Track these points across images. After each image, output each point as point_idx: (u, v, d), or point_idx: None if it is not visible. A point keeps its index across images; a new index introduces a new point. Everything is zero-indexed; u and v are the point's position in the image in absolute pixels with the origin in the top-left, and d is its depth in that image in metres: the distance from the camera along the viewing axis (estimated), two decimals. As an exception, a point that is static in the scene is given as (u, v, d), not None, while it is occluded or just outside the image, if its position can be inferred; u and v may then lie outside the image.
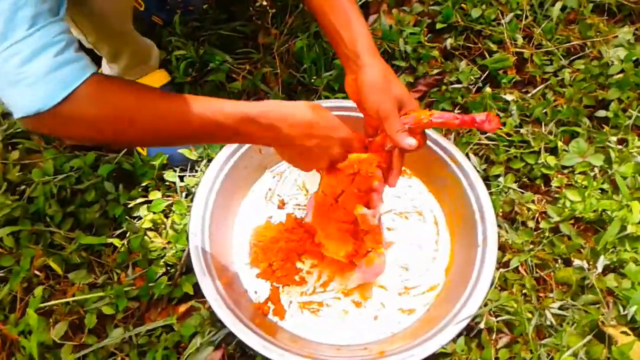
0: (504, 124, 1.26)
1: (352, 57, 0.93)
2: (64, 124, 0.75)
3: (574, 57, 1.38)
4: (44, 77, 0.70)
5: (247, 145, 1.20)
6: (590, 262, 1.06)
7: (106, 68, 1.25)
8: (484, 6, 1.43)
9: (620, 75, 1.31)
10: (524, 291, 1.06)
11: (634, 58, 1.33)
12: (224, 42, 1.41)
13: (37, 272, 1.12)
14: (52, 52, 0.70)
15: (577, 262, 1.05)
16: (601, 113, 1.28)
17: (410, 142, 0.90)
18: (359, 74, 0.92)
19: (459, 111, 1.31)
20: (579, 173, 1.19)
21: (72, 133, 0.78)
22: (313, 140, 0.88)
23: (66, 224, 1.18)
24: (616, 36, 1.41)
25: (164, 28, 1.41)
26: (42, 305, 1.07)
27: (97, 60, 1.24)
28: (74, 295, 1.10)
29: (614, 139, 1.22)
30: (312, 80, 1.32)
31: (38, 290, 1.08)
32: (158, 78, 1.29)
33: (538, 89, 1.33)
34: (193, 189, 1.20)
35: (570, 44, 1.39)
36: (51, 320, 1.07)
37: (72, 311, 1.09)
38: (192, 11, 1.43)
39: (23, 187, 1.19)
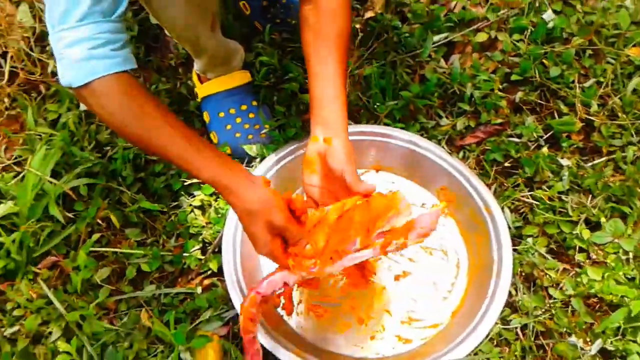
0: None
1: (323, 125, 1.01)
2: (82, 101, 0.96)
3: (648, 136, 1.34)
4: (75, 62, 0.88)
5: (297, 153, 1.31)
6: (587, 343, 1.04)
7: (195, 62, 1.42)
8: (565, 66, 1.42)
9: (691, 164, 1.26)
10: (516, 353, 1.07)
11: None
12: (307, 56, 1.53)
13: (99, 221, 1.31)
14: (87, 46, 0.87)
15: (572, 339, 1.05)
16: (659, 198, 1.24)
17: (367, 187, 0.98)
18: (328, 150, 1.00)
19: (509, 164, 1.33)
20: (613, 254, 1.16)
21: (89, 105, 0.94)
22: (247, 228, 0.97)
23: (134, 186, 1.36)
24: (703, 124, 1.34)
25: (260, 33, 1.56)
26: (95, 249, 1.26)
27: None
28: (123, 248, 1.28)
29: (660, 227, 1.18)
30: (376, 106, 1.40)
31: (94, 237, 1.27)
32: (239, 77, 1.44)
33: (599, 160, 1.31)
34: (243, 181, 1.33)
35: (647, 121, 1.34)
36: (100, 264, 1.26)
37: (118, 260, 1.27)
38: (289, 23, 1.56)
39: (107, 148, 1.39)
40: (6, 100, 1.49)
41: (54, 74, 1.53)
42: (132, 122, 0.92)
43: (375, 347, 1.16)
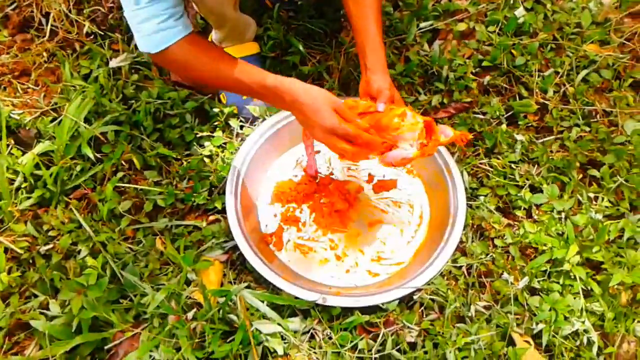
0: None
1: (370, 68, 1.28)
2: (161, 63, 1.26)
3: (593, 120, 1.57)
4: (149, 35, 1.15)
5: (292, 118, 1.54)
6: (517, 280, 1.29)
7: (214, 32, 1.64)
8: (529, 57, 1.64)
9: (624, 145, 1.49)
10: (461, 286, 1.32)
11: (642, 134, 1.50)
12: (308, 34, 1.75)
13: (123, 162, 1.53)
14: (157, 20, 1.13)
15: (505, 275, 1.30)
16: (593, 172, 1.48)
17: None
18: (371, 77, 1.28)
19: (473, 136, 1.56)
20: (547, 212, 1.41)
21: (168, 69, 1.21)
22: (301, 117, 1.21)
23: (153, 135, 1.58)
24: (641, 113, 1.57)
25: (269, 10, 1.78)
26: (119, 185, 1.49)
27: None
28: (142, 186, 1.51)
29: (590, 194, 1.42)
30: (364, 80, 1.63)
31: (119, 174, 1.50)
32: (250, 48, 1.66)
33: (549, 138, 1.55)
34: (246, 137, 1.55)
35: (593, 107, 1.57)
36: (122, 197, 1.49)
37: (137, 196, 1.49)
38: (294, 2, 1.78)
39: (132, 101, 1.61)
40: (45, 54, 1.71)
41: (88, 34, 1.75)
42: (203, 70, 1.21)
43: (350, 279, 1.40)
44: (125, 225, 1.44)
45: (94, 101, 1.57)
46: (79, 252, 1.40)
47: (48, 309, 1.30)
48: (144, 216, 1.48)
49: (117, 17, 1.80)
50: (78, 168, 1.50)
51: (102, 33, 1.76)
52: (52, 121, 1.57)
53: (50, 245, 1.42)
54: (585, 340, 1.23)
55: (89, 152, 1.49)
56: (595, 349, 1.23)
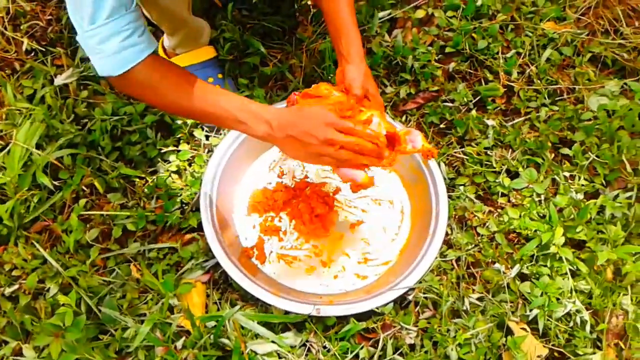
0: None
1: (345, 56, 1.21)
2: (121, 87, 1.12)
3: (558, 98, 1.59)
4: (112, 55, 1.02)
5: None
6: (508, 268, 1.29)
7: (166, 39, 1.55)
8: (490, 39, 1.64)
9: (591, 121, 1.51)
10: (452, 280, 1.31)
11: (608, 108, 1.52)
12: (266, 32, 1.68)
13: (84, 188, 1.43)
14: (119, 38, 1.01)
15: (496, 265, 1.30)
16: (565, 150, 1.50)
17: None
18: (346, 67, 1.20)
19: (444, 125, 1.55)
20: (528, 197, 1.41)
21: (127, 93, 1.08)
22: (296, 133, 1.08)
23: (113, 155, 1.48)
24: (603, 86, 1.60)
25: (221, 11, 1.69)
26: (83, 212, 1.39)
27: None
28: (108, 211, 1.42)
29: (566, 174, 1.44)
30: (330, 77, 1.58)
31: (82, 202, 1.40)
32: (205, 52, 1.58)
33: (518, 120, 1.55)
34: (214, 148, 1.48)
35: (557, 86, 1.59)
36: (88, 226, 1.40)
37: (104, 222, 1.40)
38: (246, 0, 1.70)
39: (86, 120, 1.50)
40: (-19, 77, 1.57)
41: (28, 51, 1.62)
42: (170, 93, 1.09)
43: (338, 285, 1.37)
44: (95, 256, 1.35)
45: (43, 124, 1.46)
46: (47, 290, 1.30)
47: (22, 355, 1.21)
48: (114, 243, 1.39)
49: (57, 30, 1.67)
50: (35, 199, 1.39)
51: (43, 49, 1.63)
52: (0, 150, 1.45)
53: (16, 286, 1.32)
54: (578, 321, 1.25)
55: (45, 180, 1.38)
56: (588, 328, 1.25)
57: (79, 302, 1.27)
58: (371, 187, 1.38)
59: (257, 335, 1.25)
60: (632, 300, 1.28)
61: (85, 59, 1.62)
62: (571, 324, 1.25)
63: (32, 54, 1.63)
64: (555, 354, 1.25)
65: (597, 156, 1.45)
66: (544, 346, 1.23)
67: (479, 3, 1.68)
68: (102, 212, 1.40)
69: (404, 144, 1.12)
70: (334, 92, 1.17)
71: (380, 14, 1.70)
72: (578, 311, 1.25)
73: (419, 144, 1.12)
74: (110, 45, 1.01)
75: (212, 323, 1.25)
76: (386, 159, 1.12)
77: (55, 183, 1.42)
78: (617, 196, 1.39)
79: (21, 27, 1.65)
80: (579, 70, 1.61)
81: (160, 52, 1.61)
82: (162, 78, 1.08)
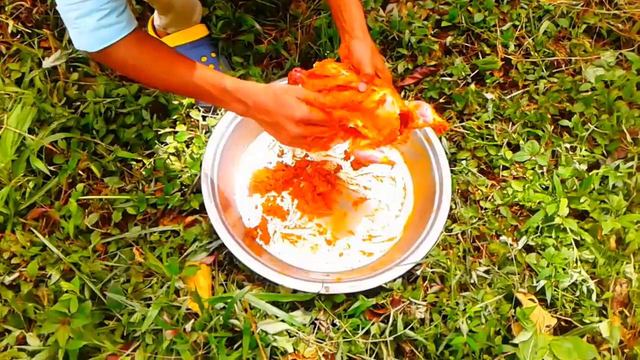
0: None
1: (349, 31, 1.18)
2: (102, 62, 1.17)
3: (555, 70, 1.59)
4: (88, 32, 1.03)
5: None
6: (515, 240, 1.30)
7: (157, 18, 1.50)
8: (487, 12, 1.63)
9: (589, 93, 1.52)
10: (459, 254, 1.31)
11: (605, 79, 1.53)
12: (259, 9, 1.64)
13: (80, 172, 1.40)
14: (97, 16, 1.01)
15: (503, 237, 1.30)
16: (565, 122, 1.50)
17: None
18: (351, 42, 1.17)
19: (443, 100, 1.54)
20: (531, 169, 1.42)
21: (110, 68, 1.09)
22: (269, 120, 1.12)
23: (108, 138, 1.45)
24: (599, 57, 1.60)
25: (212, -13, 1.65)
26: (81, 197, 1.36)
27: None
28: (106, 195, 1.38)
29: (567, 145, 1.44)
30: (326, 54, 1.56)
31: (79, 186, 1.37)
32: (198, 31, 1.54)
33: (516, 93, 1.55)
34: (212, 128, 1.45)
35: (554, 58, 1.59)
36: (87, 211, 1.36)
37: (103, 207, 1.37)
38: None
39: (78, 103, 1.46)
40: (-34, 61, 1.51)
41: (14, 33, 1.57)
42: (152, 71, 1.10)
43: (344, 262, 1.36)
44: (97, 241, 1.32)
45: (35, 108, 1.41)
46: (49, 277, 1.28)
47: (26, 344, 1.19)
48: (114, 227, 1.36)
49: (43, 11, 1.62)
50: (31, 185, 1.36)
51: (29, 31, 1.57)
52: (-10, 136, 1.40)
53: (16, 274, 1.29)
54: (584, 290, 1.26)
55: (41, 165, 1.35)
56: (594, 297, 1.26)
57: (83, 288, 1.25)
58: (372, 164, 1.37)
59: (265, 315, 1.24)
60: (635, 268, 1.30)
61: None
62: (577, 293, 1.27)
63: (18, 36, 1.58)
64: (563, 323, 1.26)
65: (596, 127, 1.46)
66: (552, 316, 1.24)
67: (474, -25, 1.67)
68: (100, 197, 1.37)
69: (415, 119, 1.11)
70: (342, 70, 1.14)
71: (374, -11, 1.68)
72: (584, 281, 1.27)
73: (430, 117, 1.11)
74: (87, 21, 1.02)
75: (220, 304, 1.23)
76: (400, 137, 1.11)
77: (51, 168, 1.39)
78: (618, 166, 1.40)
79: (5, 9, 1.59)
80: (575, 42, 1.61)
81: (150, 32, 1.56)
82: (142, 55, 1.10)
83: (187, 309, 1.24)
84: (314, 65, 1.18)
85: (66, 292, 1.24)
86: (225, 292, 1.28)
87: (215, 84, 1.11)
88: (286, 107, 1.10)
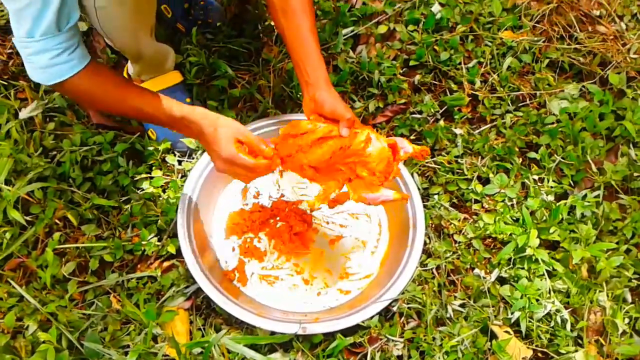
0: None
1: (313, 84, 1.21)
2: (60, 92, 1.31)
3: (521, 104, 1.64)
4: (42, 69, 1.12)
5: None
6: (487, 273, 1.32)
7: (130, 66, 1.54)
8: (452, 51, 1.68)
9: (554, 125, 1.57)
10: (434, 289, 1.33)
11: (569, 111, 1.58)
12: (232, 54, 1.69)
13: (57, 221, 1.40)
14: (49, 55, 1.09)
15: (476, 271, 1.32)
16: (532, 154, 1.54)
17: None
18: (317, 94, 1.21)
19: (414, 136, 1.58)
20: (501, 201, 1.45)
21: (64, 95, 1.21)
22: (205, 146, 1.22)
23: (84, 186, 1.46)
24: (562, 90, 1.65)
25: (184, 36, 1.70)
26: (57, 247, 1.36)
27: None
28: (83, 243, 1.39)
29: (535, 177, 1.48)
30: (299, 96, 1.60)
31: (56, 235, 1.37)
32: (172, 78, 1.57)
33: (484, 127, 1.60)
34: (188, 172, 1.47)
35: (520, 92, 1.64)
36: (63, 259, 1.37)
37: (80, 255, 1.38)
38: (209, 24, 1.70)
39: (55, 152, 1.48)
40: (-59, 114, 1.52)
41: (-11, 86, 1.59)
42: (106, 101, 1.21)
43: (322, 301, 1.37)
44: (73, 290, 1.32)
45: (11, 159, 1.42)
46: (26, 327, 1.27)
47: (4, 398, 1.18)
48: (91, 275, 1.37)
49: (19, 63, 1.64)
50: (7, 235, 1.36)
51: (6, 83, 1.59)
52: (-34, 188, 1.41)
53: (-8, 327, 1.28)
54: (559, 320, 1.28)
55: (17, 216, 1.35)
56: (568, 326, 1.28)
57: (60, 338, 1.24)
58: (347, 201, 1.40)
59: (244, 359, 1.24)
60: (608, 296, 1.32)
61: (49, 91, 1.60)
62: (552, 323, 1.29)
63: (-5, 89, 1.60)
64: (539, 354, 1.28)
65: (563, 158, 1.50)
66: (528, 347, 1.26)
67: (438, 16, 1.73)
68: (77, 245, 1.37)
69: (400, 149, 1.15)
70: (318, 124, 1.18)
71: (344, 31, 1.73)
72: (558, 311, 1.29)
73: (409, 147, 1.15)
74: (40, 59, 1.09)
75: (198, 349, 1.24)
76: (393, 172, 1.15)
77: (27, 218, 1.39)
78: (585, 196, 1.44)
79: (-18, 61, 1.62)
80: (538, 76, 1.67)
81: (127, 79, 1.60)
82: (95, 87, 1.18)
83: (165, 355, 1.24)
84: (280, 131, 1.22)
85: (43, 342, 1.24)
86: (203, 336, 1.28)
87: (166, 111, 1.20)
88: (217, 142, 1.18)
